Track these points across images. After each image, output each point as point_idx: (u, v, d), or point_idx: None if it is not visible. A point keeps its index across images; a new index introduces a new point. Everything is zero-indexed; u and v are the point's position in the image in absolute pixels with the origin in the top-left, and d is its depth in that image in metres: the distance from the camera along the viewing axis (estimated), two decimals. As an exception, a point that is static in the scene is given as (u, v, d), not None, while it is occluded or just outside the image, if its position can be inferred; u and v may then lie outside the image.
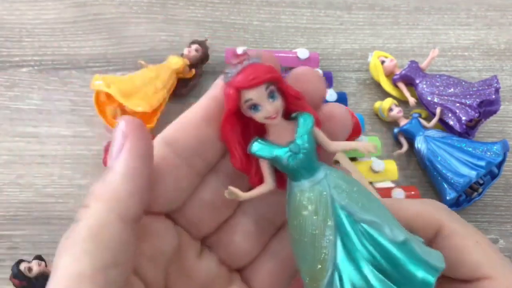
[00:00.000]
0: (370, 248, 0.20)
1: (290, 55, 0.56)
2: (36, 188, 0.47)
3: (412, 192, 0.47)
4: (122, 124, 0.20)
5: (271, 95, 0.20)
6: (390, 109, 0.53)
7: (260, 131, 0.22)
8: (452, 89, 0.51)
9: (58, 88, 0.53)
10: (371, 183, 0.48)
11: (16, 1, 0.59)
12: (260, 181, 0.22)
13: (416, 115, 0.52)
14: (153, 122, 0.49)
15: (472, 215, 0.50)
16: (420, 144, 0.50)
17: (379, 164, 0.47)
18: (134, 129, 0.20)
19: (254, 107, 0.21)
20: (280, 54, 0.56)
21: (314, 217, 0.20)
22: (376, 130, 0.54)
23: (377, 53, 0.56)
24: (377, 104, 0.54)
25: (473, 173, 0.45)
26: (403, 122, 0.52)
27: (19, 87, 0.53)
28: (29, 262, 0.41)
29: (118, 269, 0.18)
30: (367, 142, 0.23)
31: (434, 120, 0.51)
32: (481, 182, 0.49)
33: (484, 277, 0.22)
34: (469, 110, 0.49)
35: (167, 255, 0.21)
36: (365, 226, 0.20)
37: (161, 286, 0.22)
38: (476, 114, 0.49)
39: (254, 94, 0.20)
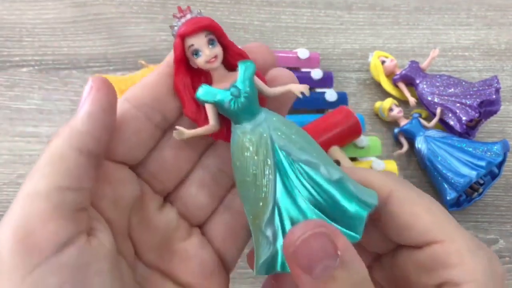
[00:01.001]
0: (307, 185, 0.22)
1: (291, 55, 0.56)
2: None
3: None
4: (90, 81, 0.23)
5: (210, 42, 0.23)
6: (391, 109, 0.53)
7: (208, 81, 0.24)
8: (452, 89, 0.51)
9: (59, 88, 0.53)
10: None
11: (17, 1, 0.59)
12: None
13: (417, 115, 0.52)
14: (153, 122, 0.49)
15: (472, 215, 0.50)
16: (420, 144, 0.50)
17: (379, 164, 0.47)
18: (99, 83, 0.23)
19: (196, 52, 0.23)
20: (280, 54, 0.56)
21: (255, 158, 0.22)
22: (376, 130, 0.54)
23: (377, 53, 0.56)
24: (378, 104, 0.54)
25: (473, 173, 0.45)
26: (403, 122, 0.52)
27: (20, 87, 0.53)
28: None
29: (73, 193, 0.20)
30: (299, 84, 0.24)
31: (435, 120, 0.51)
32: (482, 182, 0.49)
33: (435, 241, 0.22)
34: (470, 110, 0.49)
35: (128, 202, 0.23)
36: (302, 165, 0.22)
37: (124, 231, 0.23)
38: (477, 114, 0.49)
39: (195, 40, 0.23)
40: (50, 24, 0.58)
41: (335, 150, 0.46)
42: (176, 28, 0.24)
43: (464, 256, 0.21)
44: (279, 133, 0.22)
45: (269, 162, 0.22)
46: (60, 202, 0.20)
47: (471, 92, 0.50)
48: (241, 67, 0.24)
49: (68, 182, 0.20)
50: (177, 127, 0.23)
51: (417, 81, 0.53)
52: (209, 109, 0.24)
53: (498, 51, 0.61)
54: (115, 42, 0.57)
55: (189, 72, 0.24)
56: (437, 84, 0.52)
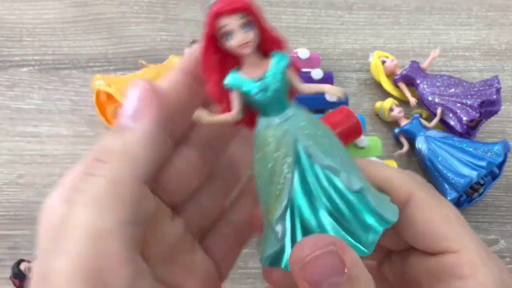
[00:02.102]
0: (327, 189, 0.21)
1: (291, 55, 0.55)
2: (37, 187, 0.47)
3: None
4: (146, 86, 0.20)
5: (245, 25, 0.21)
6: (391, 109, 0.52)
7: (238, 65, 0.22)
8: (453, 89, 0.51)
9: (59, 87, 0.53)
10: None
11: (17, 1, 0.59)
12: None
13: (417, 115, 0.52)
14: (153, 122, 0.49)
15: (472, 216, 0.50)
16: (420, 144, 0.50)
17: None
18: (159, 95, 0.20)
19: (228, 34, 0.21)
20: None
21: (276, 154, 0.21)
22: (376, 130, 0.54)
23: (378, 53, 0.56)
24: (378, 104, 0.54)
25: (474, 174, 0.45)
26: (403, 122, 0.52)
27: (20, 86, 0.53)
28: (29, 262, 0.41)
29: (137, 227, 0.19)
30: (335, 86, 0.22)
31: (435, 120, 0.51)
32: (482, 182, 0.49)
33: (450, 251, 0.22)
34: (470, 110, 0.49)
35: (146, 217, 0.21)
36: (324, 169, 0.21)
37: (139, 249, 0.21)
38: (477, 115, 0.49)
39: (228, 21, 0.21)
40: (51, 24, 0.58)
41: None
42: (207, 5, 0.21)
43: (477, 268, 0.21)
44: (305, 132, 0.21)
45: (289, 160, 0.21)
46: (131, 240, 0.18)
47: (472, 92, 0.50)
48: (275, 58, 0.22)
49: (132, 216, 0.19)
50: (198, 111, 0.22)
51: (418, 81, 0.53)
52: (235, 97, 0.22)
53: (499, 51, 0.61)
54: (115, 42, 0.57)
55: (218, 52, 0.22)
56: (438, 84, 0.52)
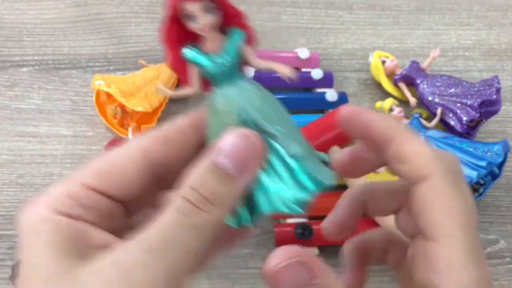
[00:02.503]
0: (269, 155, 0.23)
1: (291, 55, 0.56)
2: (36, 187, 0.47)
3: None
4: (257, 140, 0.22)
5: (207, 9, 0.23)
6: (391, 109, 0.52)
7: (198, 40, 0.25)
8: (453, 89, 0.51)
9: (59, 87, 0.53)
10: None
11: (17, 1, 0.59)
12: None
13: (417, 115, 0.52)
14: (153, 122, 0.49)
15: (473, 216, 0.50)
16: (421, 144, 0.50)
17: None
18: (262, 152, 0.23)
19: (191, 18, 0.24)
20: (281, 54, 0.56)
21: (223, 121, 0.23)
22: (376, 130, 0.54)
23: (378, 53, 0.56)
24: (378, 104, 0.54)
25: (474, 174, 0.45)
26: (404, 122, 0.52)
27: (20, 86, 0.53)
28: (29, 262, 0.41)
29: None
30: (286, 66, 0.25)
31: (435, 120, 0.51)
32: (482, 182, 0.49)
33: (435, 241, 0.21)
34: (470, 110, 0.49)
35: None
36: (265, 136, 0.23)
37: None
38: (477, 115, 0.49)
39: (192, 6, 0.23)
40: (51, 24, 0.58)
41: (335, 151, 0.46)
42: None
43: (453, 265, 0.21)
44: (253, 103, 0.23)
45: (236, 126, 0.23)
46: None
47: (472, 92, 0.50)
48: (231, 34, 0.24)
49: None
50: (157, 84, 0.25)
51: (418, 81, 0.53)
52: (193, 71, 0.25)
53: (499, 51, 0.61)
54: (115, 42, 0.57)
55: (180, 27, 0.24)
56: (438, 84, 0.52)
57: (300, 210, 0.23)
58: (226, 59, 0.24)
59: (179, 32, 0.24)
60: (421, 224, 0.22)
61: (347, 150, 0.26)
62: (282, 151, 0.23)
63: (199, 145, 0.24)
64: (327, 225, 0.26)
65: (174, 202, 0.21)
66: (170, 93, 0.25)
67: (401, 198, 0.25)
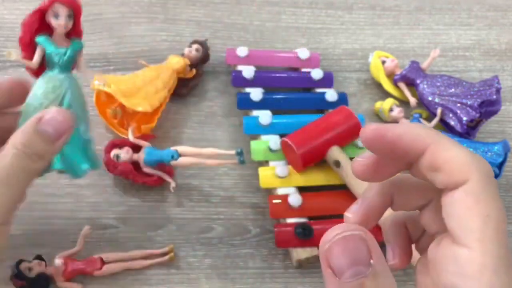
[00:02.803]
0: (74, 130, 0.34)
1: (291, 55, 0.56)
2: (37, 187, 0.47)
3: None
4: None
5: (69, 16, 0.36)
6: (391, 110, 0.53)
7: (50, 34, 0.36)
8: (453, 90, 0.51)
9: (59, 88, 0.53)
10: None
11: (17, 1, 0.59)
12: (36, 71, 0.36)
13: (417, 115, 0.52)
14: (154, 122, 0.49)
15: (472, 216, 0.50)
16: (420, 144, 0.50)
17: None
18: None
19: (56, 16, 0.35)
20: (280, 54, 0.56)
21: (50, 95, 0.35)
22: (376, 130, 0.54)
23: (378, 53, 0.56)
24: (378, 104, 0.54)
25: (474, 174, 0.45)
26: (403, 122, 0.52)
27: (20, 86, 0.53)
28: (29, 262, 0.41)
29: None
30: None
31: (435, 121, 0.51)
32: (482, 182, 0.49)
33: (468, 247, 0.21)
34: (470, 111, 0.49)
35: None
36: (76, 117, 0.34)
37: None
38: (477, 115, 0.49)
39: (62, 9, 0.35)
40: (51, 24, 0.58)
41: (335, 150, 0.46)
42: None
43: (486, 272, 0.20)
44: (72, 91, 0.36)
45: (57, 103, 0.35)
46: None
47: (472, 93, 0.50)
48: (74, 42, 0.37)
49: None
50: (10, 50, 0.34)
51: (418, 81, 0.53)
52: (39, 51, 0.35)
53: (499, 51, 0.61)
54: (115, 42, 0.57)
55: (42, 23, 0.35)
56: (438, 84, 0.52)
57: (80, 175, 0.36)
58: (66, 53, 0.36)
59: (40, 23, 0.35)
60: (453, 227, 0.22)
61: (367, 155, 0.25)
62: (81, 132, 0.35)
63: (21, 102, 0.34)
64: (351, 214, 0.25)
65: (13, 150, 0.31)
66: (17, 58, 0.35)
67: (429, 195, 0.24)
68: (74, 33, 0.37)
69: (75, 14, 0.36)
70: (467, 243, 0.21)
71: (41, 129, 0.32)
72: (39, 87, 0.35)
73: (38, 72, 0.36)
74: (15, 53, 0.35)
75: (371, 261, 0.19)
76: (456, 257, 0.21)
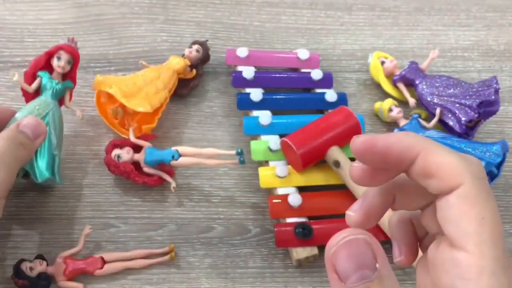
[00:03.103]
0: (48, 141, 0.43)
1: (291, 55, 0.56)
2: (37, 187, 0.47)
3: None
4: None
5: (68, 61, 0.45)
6: (390, 110, 0.53)
7: (50, 72, 0.45)
8: (451, 90, 0.52)
9: (60, 88, 0.53)
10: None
11: (18, 2, 0.59)
12: (28, 95, 0.45)
13: (416, 115, 0.52)
14: (154, 122, 0.50)
15: (471, 215, 0.50)
16: (420, 144, 0.50)
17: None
18: None
19: (58, 58, 0.45)
20: (280, 55, 0.57)
21: (28, 114, 0.43)
22: (376, 131, 0.54)
23: (377, 53, 0.57)
24: (377, 104, 0.54)
25: (472, 174, 0.46)
26: (403, 122, 0.52)
27: (21, 87, 0.53)
28: (30, 261, 0.42)
29: None
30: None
31: (434, 121, 0.51)
32: (481, 182, 0.49)
33: (465, 250, 0.21)
34: (469, 111, 0.49)
35: None
36: (50, 134, 0.43)
37: None
38: (476, 115, 0.49)
39: (64, 54, 0.45)
40: (52, 24, 0.58)
41: (335, 150, 0.46)
42: (66, 41, 0.46)
43: (484, 274, 0.21)
44: (52, 115, 0.44)
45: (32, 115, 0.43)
46: None
47: (471, 93, 0.50)
48: (67, 82, 0.46)
49: None
50: (14, 73, 0.44)
51: (417, 82, 0.53)
52: (38, 80, 0.45)
53: (497, 51, 0.61)
54: (116, 43, 0.57)
55: (47, 60, 0.45)
56: (437, 84, 0.52)
57: (38, 179, 0.42)
58: (56, 86, 0.45)
59: (45, 63, 0.45)
60: (449, 232, 0.22)
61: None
62: (52, 143, 0.43)
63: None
64: (353, 213, 0.25)
65: (1, 141, 0.39)
66: (20, 80, 0.44)
67: (430, 196, 0.24)
68: (69, 77, 0.46)
69: (74, 61, 0.46)
70: (465, 247, 0.21)
71: (21, 130, 0.40)
72: (28, 106, 0.44)
73: (30, 97, 0.45)
74: (18, 75, 0.44)
75: (377, 265, 0.19)
76: (454, 260, 0.22)
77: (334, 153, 0.46)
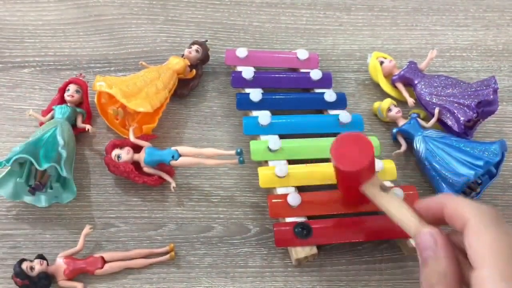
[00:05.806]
0: (51, 156, 0.44)
1: (290, 55, 0.56)
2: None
3: (411, 192, 0.47)
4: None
5: (77, 91, 0.50)
6: (389, 109, 0.53)
7: (64, 103, 0.50)
8: (450, 90, 0.52)
9: (60, 88, 0.53)
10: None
11: (18, 3, 0.59)
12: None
13: (415, 115, 0.52)
14: (155, 122, 0.50)
15: (470, 215, 0.50)
16: (418, 144, 0.50)
17: (377, 163, 0.48)
18: None
19: (67, 90, 0.50)
20: (280, 55, 0.57)
21: (40, 131, 0.46)
22: (375, 130, 0.54)
23: (376, 53, 0.57)
24: (376, 104, 0.54)
25: (471, 173, 0.46)
26: (401, 122, 0.52)
27: (21, 87, 0.54)
28: (31, 261, 0.42)
29: None
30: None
31: (433, 120, 0.51)
32: (479, 181, 0.49)
33: (481, 268, 0.28)
34: (467, 111, 0.50)
35: None
36: (59, 148, 0.45)
37: None
38: (474, 115, 0.49)
39: (73, 87, 0.50)
40: (52, 25, 0.58)
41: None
42: (75, 76, 0.51)
43: (496, 283, 0.27)
44: (61, 131, 0.46)
45: (47, 135, 0.46)
46: None
47: (469, 93, 0.50)
48: (79, 108, 0.50)
49: None
50: (31, 110, 0.49)
51: (416, 82, 0.54)
52: (51, 113, 0.49)
53: (496, 51, 0.61)
54: (116, 43, 0.57)
55: (62, 96, 0.50)
56: (435, 84, 0.53)
57: (64, 202, 0.46)
58: (70, 112, 0.49)
59: (59, 96, 0.50)
60: (469, 255, 0.29)
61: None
62: (63, 157, 0.44)
63: None
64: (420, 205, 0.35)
65: None
66: (36, 115, 0.49)
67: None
68: (82, 106, 0.51)
69: (82, 90, 0.51)
70: (481, 267, 0.28)
71: None
72: (47, 124, 0.48)
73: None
74: (33, 112, 0.49)
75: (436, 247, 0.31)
76: (476, 278, 0.28)
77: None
